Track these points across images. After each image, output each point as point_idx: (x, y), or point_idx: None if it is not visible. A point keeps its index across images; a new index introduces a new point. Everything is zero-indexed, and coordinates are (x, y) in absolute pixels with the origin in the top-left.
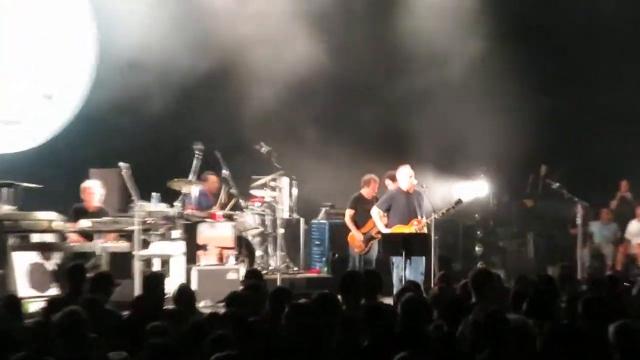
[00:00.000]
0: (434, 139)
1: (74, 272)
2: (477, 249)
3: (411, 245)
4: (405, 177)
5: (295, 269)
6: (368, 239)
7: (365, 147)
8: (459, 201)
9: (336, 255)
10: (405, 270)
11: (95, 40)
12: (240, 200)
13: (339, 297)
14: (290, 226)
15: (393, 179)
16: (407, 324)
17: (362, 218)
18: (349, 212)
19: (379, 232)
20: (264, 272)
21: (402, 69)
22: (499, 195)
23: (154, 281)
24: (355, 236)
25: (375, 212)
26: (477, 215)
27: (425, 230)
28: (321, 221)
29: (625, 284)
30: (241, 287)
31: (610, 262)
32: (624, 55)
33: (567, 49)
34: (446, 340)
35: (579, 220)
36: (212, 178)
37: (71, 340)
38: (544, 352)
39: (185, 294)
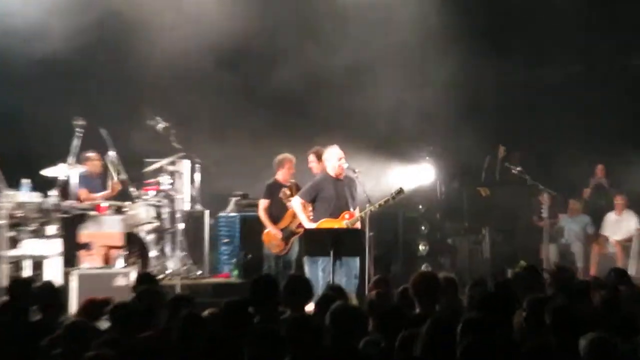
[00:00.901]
0: (368, 116)
1: None
2: (421, 247)
3: (342, 243)
4: (333, 159)
5: (199, 272)
6: (288, 236)
7: (285, 126)
8: (400, 190)
9: (249, 256)
10: (333, 274)
11: None
12: (131, 189)
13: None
14: (193, 220)
15: (319, 156)
16: (339, 339)
17: (279, 209)
18: (262, 204)
19: (300, 226)
20: (161, 276)
21: (327, 34)
22: (448, 182)
23: (19, 288)
24: (272, 233)
25: (298, 203)
26: (421, 207)
27: (358, 226)
28: (231, 214)
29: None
30: (132, 295)
31: (581, 262)
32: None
33: (522, 14)
34: (383, 358)
35: (544, 212)
36: (93, 157)
37: None
38: None
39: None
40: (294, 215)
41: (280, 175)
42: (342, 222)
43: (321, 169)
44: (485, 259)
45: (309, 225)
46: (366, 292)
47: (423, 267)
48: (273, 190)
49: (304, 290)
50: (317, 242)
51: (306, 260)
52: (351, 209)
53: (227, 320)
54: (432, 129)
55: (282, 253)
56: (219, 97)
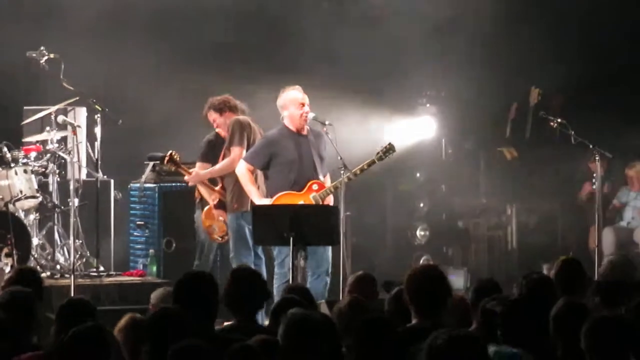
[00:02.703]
0: (348, 53)
1: None
2: (419, 232)
3: (307, 225)
4: (293, 106)
5: (102, 268)
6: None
7: (232, 56)
8: (389, 148)
9: (174, 245)
10: (293, 271)
11: None
12: (5, 149)
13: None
14: (93, 194)
15: (218, 108)
16: None
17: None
18: (202, 168)
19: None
20: (47, 274)
21: None
22: (457, 140)
23: None
24: (215, 212)
25: (243, 169)
26: (418, 176)
27: (331, 201)
28: (147, 185)
29: None
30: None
31: None
32: None
33: None
34: None
35: (596, 184)
36: None
37: None
38: None
39: None
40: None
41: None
42: (308, 196)
43: (234, 123)
44: (511, 251)
45: (261, 200)
46: (341, 296)
47: (422, 261)
48: (215, 149)
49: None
50: (270, 225)
51: (238, 250)
52: (320, 177)
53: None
54: (434, 64)
55: (224, 240)
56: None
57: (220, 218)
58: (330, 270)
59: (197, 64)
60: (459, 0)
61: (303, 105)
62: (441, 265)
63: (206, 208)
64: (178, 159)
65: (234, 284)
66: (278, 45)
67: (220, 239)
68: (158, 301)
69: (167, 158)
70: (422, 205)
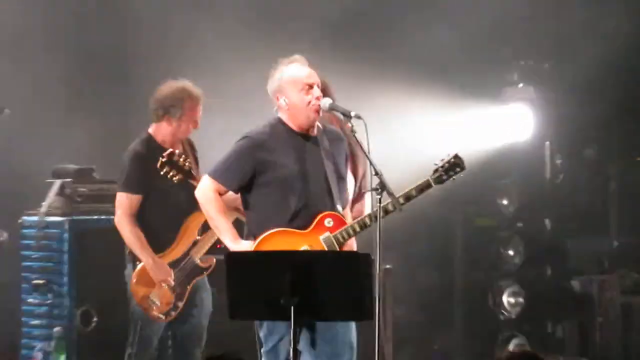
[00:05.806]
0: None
1: None
2: (507, 299)
3: (317, 287)
4: (293, 90)
5: None
6: (189, 276)
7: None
8: (454, 165)
9: (94, 320)
10: None
11: None
12: None
13: None
14: None
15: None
16: None
17: (167, 212)
18: (122, 202)
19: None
20: None
21: None
22: (570, 142)
23: None
24: (152, 268)
25: (208, 190)
26: (506, 203)
27: (354, 246)
28: (51, 219)
29: None
30: None
31: None
32: None
33: None
34: None
35: None
36: None
37: None
38: None
39: None
40: (201, 228)
41: (163, 131)
42: (317, 237)
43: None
44: None
45: (237, 242)
46: None
47: (513, 345)
48: (145, 166)
49: None
50: (254, 285)
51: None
52: (338, 208)
53: None
54: (533, 15)
55: (170, 317)
56: None
57: (158, 286)
58: None
59: None
60: None
61: (310, 87)
62: (544, 354)
63: (139, 266)
64: (187, 164)
65: None
66: None
67: (162, 317)
68: None
69: (164, 158)
70: (512, 252)
